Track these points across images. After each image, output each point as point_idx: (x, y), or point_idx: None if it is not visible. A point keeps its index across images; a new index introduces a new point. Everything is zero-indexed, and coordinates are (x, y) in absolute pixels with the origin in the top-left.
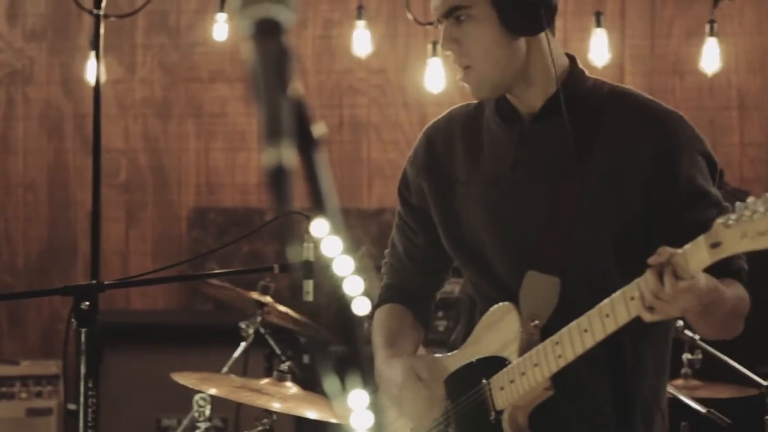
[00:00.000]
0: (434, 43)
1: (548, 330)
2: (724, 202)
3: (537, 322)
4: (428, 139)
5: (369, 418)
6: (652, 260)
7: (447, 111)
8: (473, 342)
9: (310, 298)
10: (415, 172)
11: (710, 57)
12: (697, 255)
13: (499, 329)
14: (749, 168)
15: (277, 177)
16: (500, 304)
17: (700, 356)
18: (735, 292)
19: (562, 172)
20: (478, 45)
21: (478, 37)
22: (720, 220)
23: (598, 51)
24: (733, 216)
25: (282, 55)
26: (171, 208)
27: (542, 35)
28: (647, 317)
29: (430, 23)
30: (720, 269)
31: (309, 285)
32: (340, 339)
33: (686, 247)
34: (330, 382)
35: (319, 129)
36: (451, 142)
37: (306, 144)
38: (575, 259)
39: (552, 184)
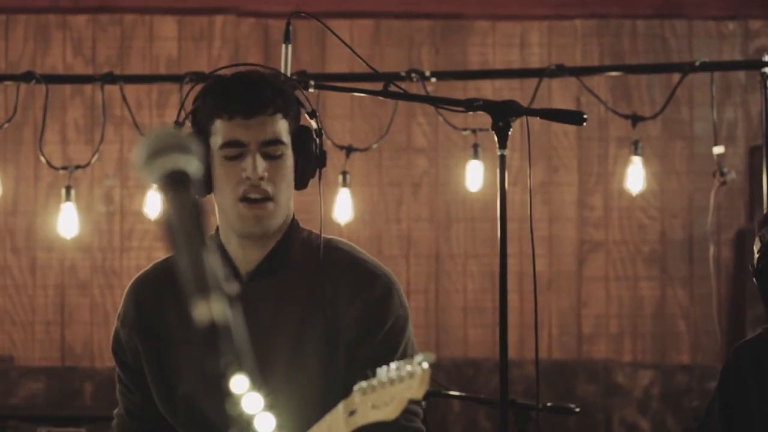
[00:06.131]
0: (68, 188)
1: None
2: None
3: None
4: (136, 297)
5: None
6: None
7: (152, 264)
8: None
9: None
10: (127, 332)
11: (344, 208)
12: (336, 425)
13: None
14: None
15: (214, 333)
16: None
17: None
18: None
19: (279, 328)
20: (285, 181)
21: (285, 174)
22: (362, 385)
23: None
24: (374, 380)
25: (196, 206)
26: None
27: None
28: None
29: (66, 167)
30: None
31: None
32: None
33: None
34: None
35: (230, 283)
36: (160, 297)
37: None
38: (289, 406)
39: (268, 337)
